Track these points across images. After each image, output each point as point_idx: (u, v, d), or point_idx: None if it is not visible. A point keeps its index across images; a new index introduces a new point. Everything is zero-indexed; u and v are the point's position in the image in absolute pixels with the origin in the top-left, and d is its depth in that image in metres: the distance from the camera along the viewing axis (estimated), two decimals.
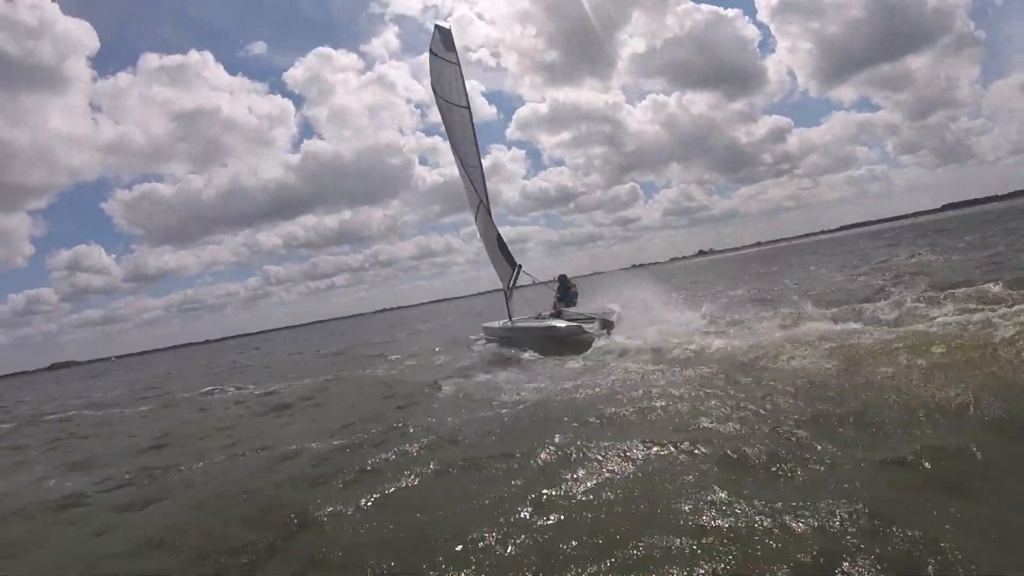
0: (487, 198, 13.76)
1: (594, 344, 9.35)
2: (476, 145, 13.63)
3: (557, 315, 11.66)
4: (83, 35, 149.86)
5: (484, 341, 14.11)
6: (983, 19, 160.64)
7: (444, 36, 13.52)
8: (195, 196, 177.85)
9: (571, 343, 9.70)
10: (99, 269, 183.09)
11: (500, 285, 14.02)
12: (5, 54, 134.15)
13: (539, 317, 12.12)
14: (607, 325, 10.13)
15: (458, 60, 13.59)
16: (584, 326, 10.03)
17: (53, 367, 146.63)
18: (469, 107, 13.61)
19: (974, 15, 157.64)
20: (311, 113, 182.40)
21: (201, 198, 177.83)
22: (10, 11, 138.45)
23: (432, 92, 13.36)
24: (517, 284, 13.40)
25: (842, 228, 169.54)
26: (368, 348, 19.87)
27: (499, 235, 13.34)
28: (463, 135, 13.50)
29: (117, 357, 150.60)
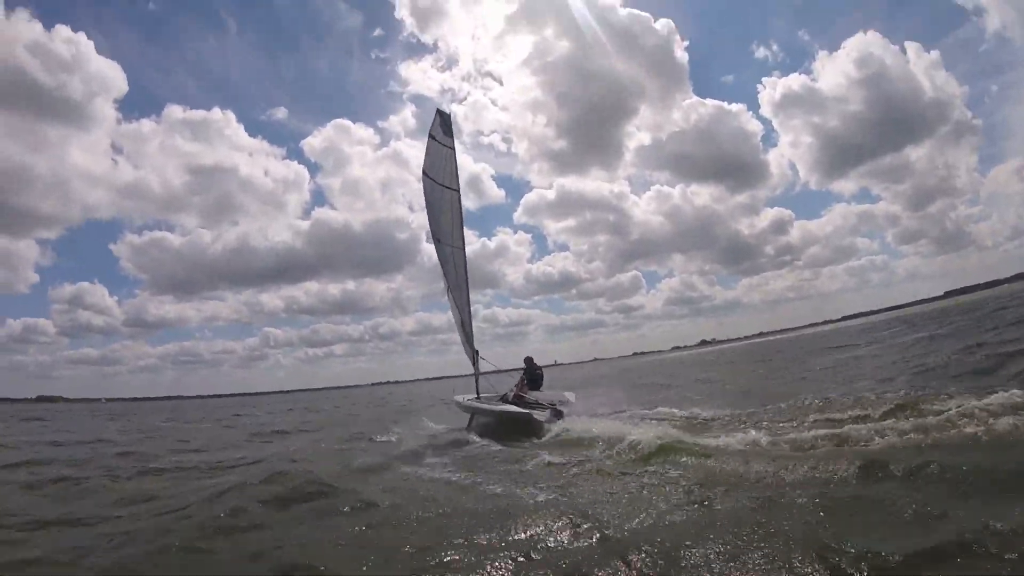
0: (466, 278, 13.67)
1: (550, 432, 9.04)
2: (462, 226, 13.76)
3: (519, 397, 11.68)
4: (114, 77, 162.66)
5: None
6: (980, 107, 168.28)
7: (444, 121, 14.03)
8: (203, 250, 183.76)
9: (521, 428, 9.68)
10: (100, 309, 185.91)
11: (489, 368, 14.09)
12: (36, 82, 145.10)
13: (502, 397, 12.17)
14: (557, 414, 10.16)
15: (454, 145, 14.05)
16: (535, 414, 10.03)
17: (40, 399, 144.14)
18: (459, 190, 13.86)
19: (971, 103, 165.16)
20: (325, 182, 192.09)
21: (208, 252, 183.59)
22: (46, 41, 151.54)
23: (422, 174, 13.58)
24: (484, 370, 13.60)
25: (845, 318, 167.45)
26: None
27: (463, 318, 13.34)
28: (450, 216, 13.61)
29: (108, 399, 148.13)
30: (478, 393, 13.22)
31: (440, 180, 13.63)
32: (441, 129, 13.87)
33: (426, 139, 13.83)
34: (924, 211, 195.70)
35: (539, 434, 9.09)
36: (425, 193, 13.70)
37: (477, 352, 13.64)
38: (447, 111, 14.20)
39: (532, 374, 12.60)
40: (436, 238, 13.64)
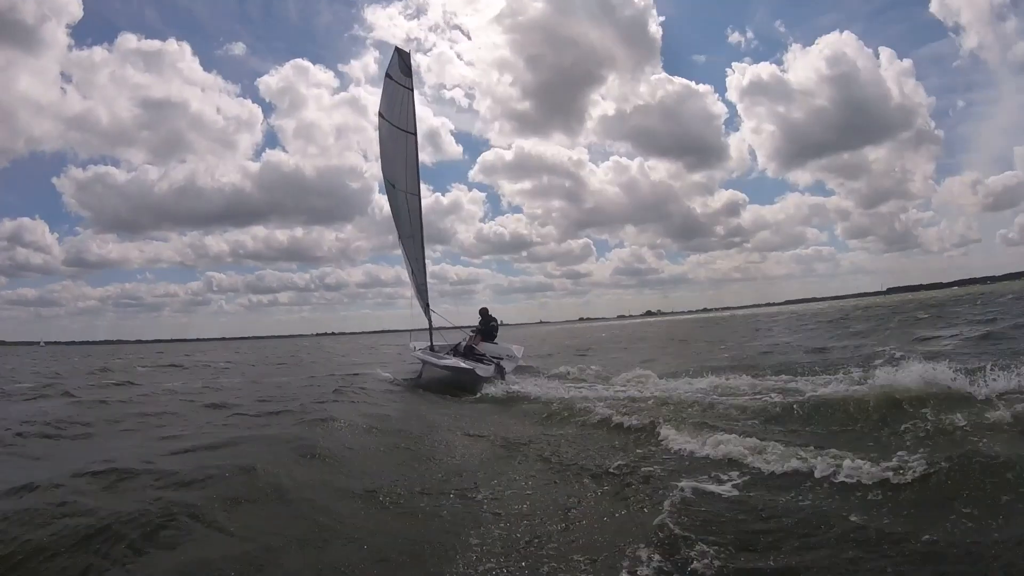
0: (421, 226, 13.49)
1: (484, 389, 9.28)
2: (418, 173, 13.44)
3: (470, 349, 11.88)
4: (69, 1, 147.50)
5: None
6: (944, 119, 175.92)
7: (403, 59, 13.43)
8: (149, 187, 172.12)
9: (464, 382, 9.83)
10: (40, 247, 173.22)
11: (442, 322, 13.93)
12: None
13: (455, 348, 12.28)
14: (500, 371, 10.40)
15: (412, 86, 13.52)
16: (478, 368, 10.16)
17: None
18: (416, 134, 13.46)
19: (935, 114, 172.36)
20: (278, 123, 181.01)
21: (154, 190, 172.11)
22: None
23: (378, 115, 13.09)
24: (437, 325, 13.60)
25: (788, 302, 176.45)
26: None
27: (414, 268, 13.32)
28: (405, 161, 13.23)
29: (47, 342, 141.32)
30: (432, 344, 13.17)
31: (397, 122, 13.15)
32: (400, 68, 13.28)
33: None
34: (875, 209, 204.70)
35: (475, 391, 9.27)
36: (380, 135, 13.22)
37: (428, 306, 13.56)
38: (405, 50, 13.60)
39: (487, 326, 12.68)
40: (390, 182, 13.28)
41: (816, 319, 29.65)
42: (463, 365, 10.38)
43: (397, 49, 13.38)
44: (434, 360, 11.10)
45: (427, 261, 13.94)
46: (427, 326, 13.61)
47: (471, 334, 12.73)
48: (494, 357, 11.47)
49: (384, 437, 5.81)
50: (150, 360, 26.63)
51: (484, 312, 12.99)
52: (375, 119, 13.43)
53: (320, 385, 11.09)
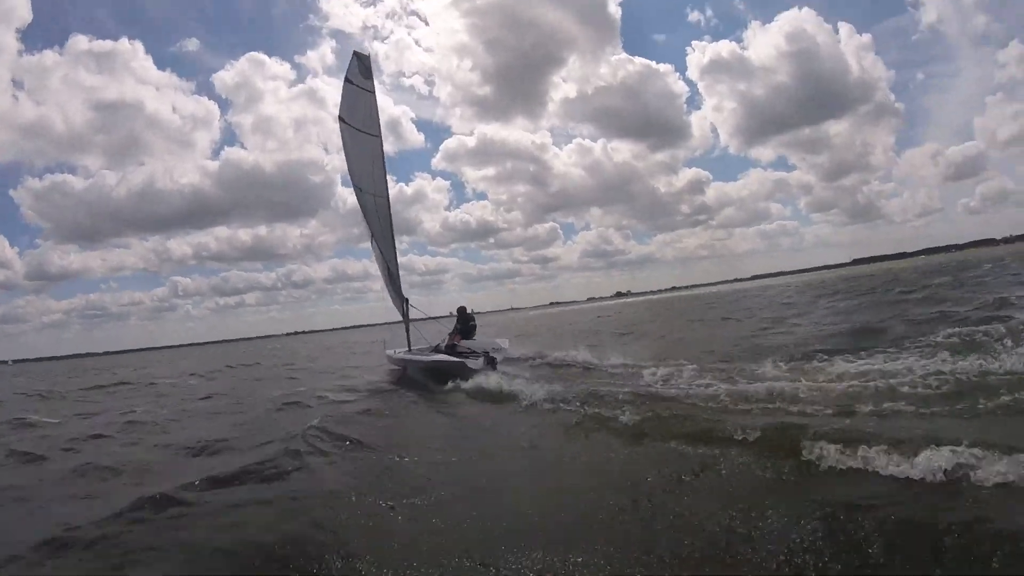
0: (391, 228, 13.69)
1: (473, 380, 9.12)
2: (385, 174, 13.62)
3: (452, 347, 11.74)
4: (16, 4, 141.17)
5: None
6: (904, 92, 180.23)
7: (362, 63, 13.52)
8: (107, 193, 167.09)
9: (455, 377, 9.60)
10: (0, 262, 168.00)
11: (419, 315, 13.97)
12: None
13: (435, 348, 12.22)
14: (491, 362, 10.25)
15: (374, 88, 13.66)
16: (468, 362, 10.13)
17: None
18: (380, 136, 13.62)
19: (895, 87, 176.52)
20: (236, 119, 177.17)
21: (112, 196, 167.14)
22: None
23: (338, 120, 13.16)
24: (414, 318, 13.58)
25: (755, 277, 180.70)
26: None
27: (390, 269, 13.40)
28: (371, 163, 13.39)
29: (14, 361, 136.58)
30: (409, 345, 13.25)
31: (359, 126, 13.28)
32: (360, 72, 13.37)
33: (342, 81, 13.39)
34: (838, 183, 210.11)
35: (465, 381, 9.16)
36: (343, 140, 13.30)
37: (407, 301, 13.53)
38: (365, 52, 13.67)
39: (465, 324, 12.62)
40: (357, 186, 13.43)
41: (815, 292, 28.60)
42: (452, 359, 10.39)
43: (356, 53, 13.46)
44: (420, 357, 11.20)
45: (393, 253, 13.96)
46: (401, 321, 13.68)
47: (450, 333, 12.50)
48: (481, 350, 11.29)
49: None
50: (101, 377, 24.38)
51: (462, 311, 12.93)
52: (334, 111, 13.47)
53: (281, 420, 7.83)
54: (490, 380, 8.75)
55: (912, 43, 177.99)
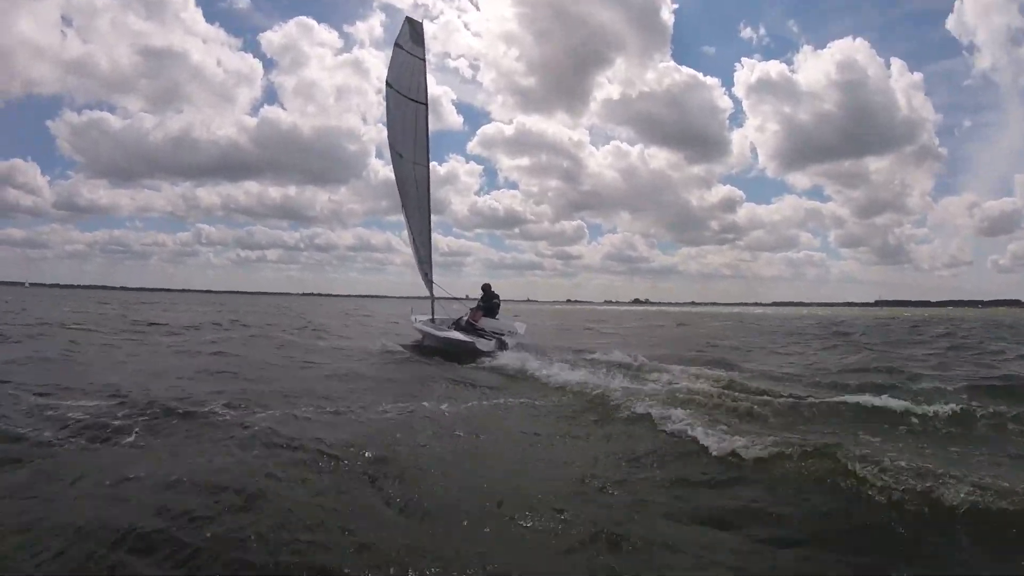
0: (428, 197, 13.82)
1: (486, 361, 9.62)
2: (427, 143, 13.68)
3: (471, 324, 12.09)
4: None
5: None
6: (948, 137, 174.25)
7: (414, 29, 13.44)
8: (143, 135, 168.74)
9: (464, 355, 10.03)
10: (31, 188, 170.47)
11: (442, 294, 14.21)
12: None
13: (457, 322, 12.50)
14: (502, 344, 10.71)
15: (424, 56, 13.59)
16: (479, 343, 10.53)
17: None
18: (427, 104, 13.62)
19: (940, 131, 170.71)
20: (278, 80, 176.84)
21: (149, 139, 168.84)
22: None
23: (385, 85, 13.18)
24: (438, 295, 13.87)
25: (776, 304, 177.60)
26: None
27: (419, 238, 13.75)
28: (415, 131, 13.42)
29: (31, 284, 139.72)
30: (433, 316, 13.49)
31: (406, 92, 13.28)
32: (410, 38, 13.29)
33: (391, 49, 13.37)
34: (871, 220, 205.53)
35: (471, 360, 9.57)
36: (387, 105, 13.30)
37: (430, 278, 13.80)
38: (418, 19, 13.59)
39: (488, 302, 12.80)
40: (397, 152, 13.47)
41: (854, 326, 26.43)
42: (463, 338, 10.71)
43: (408, 18, 13.38)
44: (435, 332, 11.50)
45: None
46: (426, 295, 13.90)
47: (472, 309, 12.79)
48: (495, 332, 11.69)
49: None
50: (128, 311, 25.54)
51: (487, 288, 13.12)
52: (377, 83, 14.05)
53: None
54: (503, 360, 9.29)
55: (963, 88, 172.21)
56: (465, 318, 12.49)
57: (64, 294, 75.49)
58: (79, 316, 20.62)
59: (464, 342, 10.52)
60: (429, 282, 13.98)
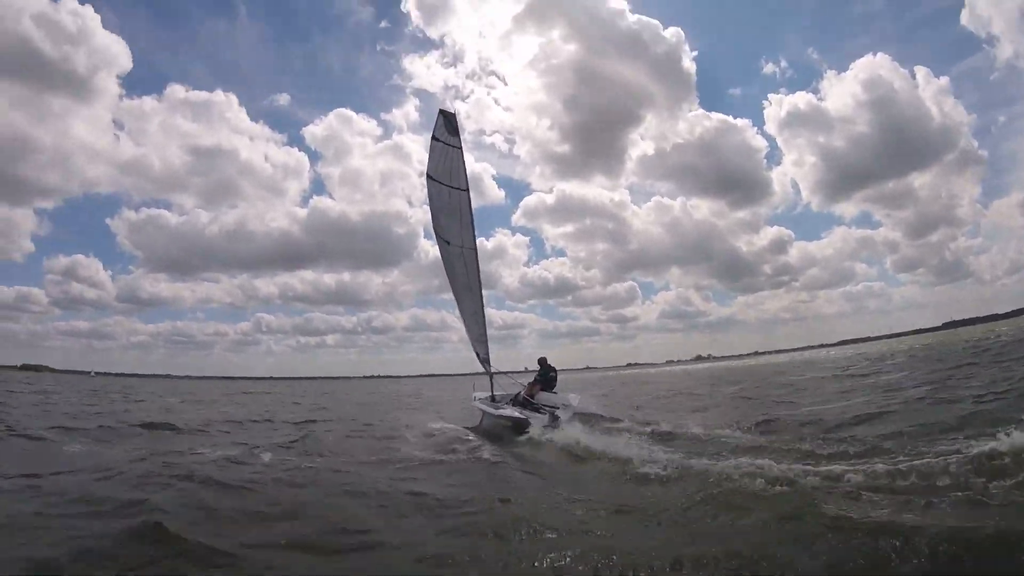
0: (479, 278, 13.99)
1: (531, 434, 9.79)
2: (473, 227, 13.96)
3: (530, 397, 12.46)
4: (118, 52, 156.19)
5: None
6: (986, 137, 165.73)
7: (448, 121, 13.97)
8: (200, 230, 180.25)
9: (519, 431, 10.26)
10: (94, 283, 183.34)
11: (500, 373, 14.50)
12: (41, 53, 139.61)
13: (515, 397, 12.84)
14: (554, 419, 10.83)
15: (461, 144, 14.05)
16: (533, 418, 10.78)
17: (24, 367, 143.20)
18: (468, 190, 13.98)
19: (977, 133, 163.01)
20: (324, 171, 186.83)
21: (205, 233, 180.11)
22: (52, 12, 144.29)
23: (426, 177, 13.71)
24: (496, 370, 14.18)
25: (842, 343, 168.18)
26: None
27: (474, 318, 14.06)
28: (459, 216, 13.76)
29: (97, 372, 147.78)
30: (492, 392, 13.65)
31: (446, 181, 13.72)
32: (446, 130, 13.83)
33: (429, 139, 13.92)
34: (924, 239, 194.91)
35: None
36: (430, 196, 13.81)
37: (487, 357, 14.16)
38: (452, 110, 14.10)
39: (546, 375, 13.03)
40: (444, 239, 13.84)
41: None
42: (517, 415, 10.94)
43: (442, 112, 13.95)
44: (491, 411, 11.78)
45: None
46: (481, 371, 14.20)
47: (529, 383, 13.07)
48: (549, 406, 11.92)
49: None
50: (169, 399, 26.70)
51: (543, 361, 13.32)
52: (418, 166, 14.66)
53: None
54: (554, 435, 9.45)
55: (991, 83, 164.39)
56: (523, 393, 12.74)
57: (126, 382, 79.14)
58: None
59: (519, 419, 10.75)
60: (485, 360, 14.16)
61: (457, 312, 14.47)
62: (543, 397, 12.55)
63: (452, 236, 13.79)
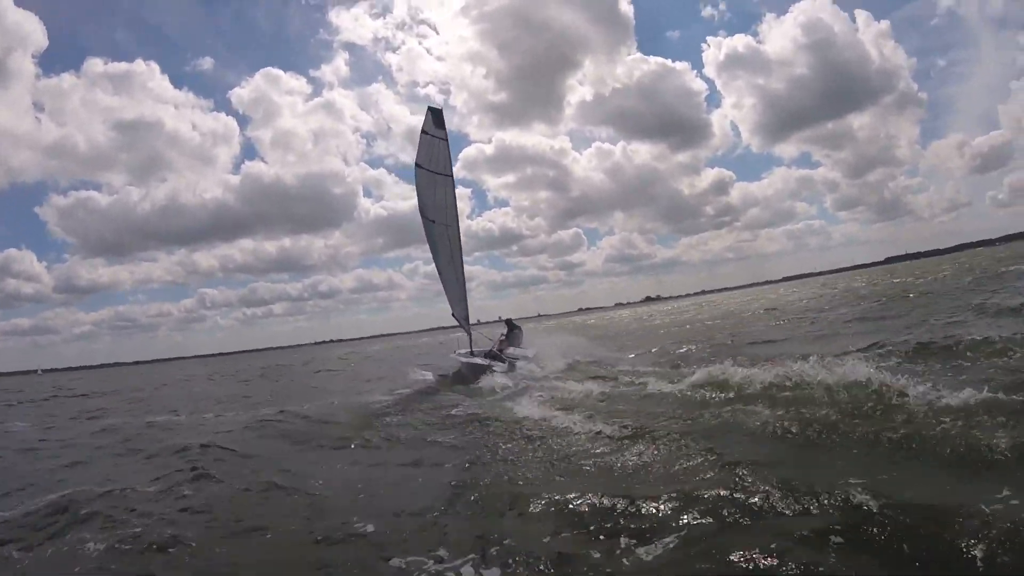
0: (460, 251, 16.51)
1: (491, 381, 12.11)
2: (456, 207, 16.47)
3: (499, 351, 15.05)
4: (32, 30, 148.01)
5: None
6: (926, 80, 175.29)
7: (436, 116, 16.36)
8: (132, 208, 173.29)
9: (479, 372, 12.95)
10: (29, 276, 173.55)
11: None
12: None
13: (489, 352, 15.26)
14: (511, 367, 13.43)
15: (446, 136, 16.50)
16: (495, 365, 13.40)
17: None
18: (452, 175, 16.46)
19: (917, 76, 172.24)
20: (255, 134, 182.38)
21: (138, 211, 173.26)
22: None
23: (415, 166, 15.98)
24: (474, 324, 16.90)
25: (785, 279, 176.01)
26: None
27: (454, 285, 16.54)
28: (445, 199, 16.21)
29: (44, 370, 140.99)
30: (471, 348, 16.06)
31: (435, 169, 16.13)
32: (434, 124, 16.22)
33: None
34: (863, 179, 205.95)
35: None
36: (417, 182, 16.08)
37: (467, 319, 16.74)
38: (438, 106, 16.55)
39: (511, 331, 16.05)
40: (429, 219, 16.18)
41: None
42: (480, 362, 13.78)
43: (430, 108, 16.33)
44: (466, 360, 14.49)
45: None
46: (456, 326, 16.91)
47: (500, 339, 16.00)
48: (511, 358, 14.54)
49: None
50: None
51: (508, 322, 16.42)
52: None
53: None
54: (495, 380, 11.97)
55: (932, 28, 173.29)
56: (494, 348, 15.53)
57: (75, 376, 76.50)
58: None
59: (482, 365, 13.53)
60: (465, 319, 16.65)
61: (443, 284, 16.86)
62: (510, 351, 15.24)
63: (437, 216, 16.18)
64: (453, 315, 16.68)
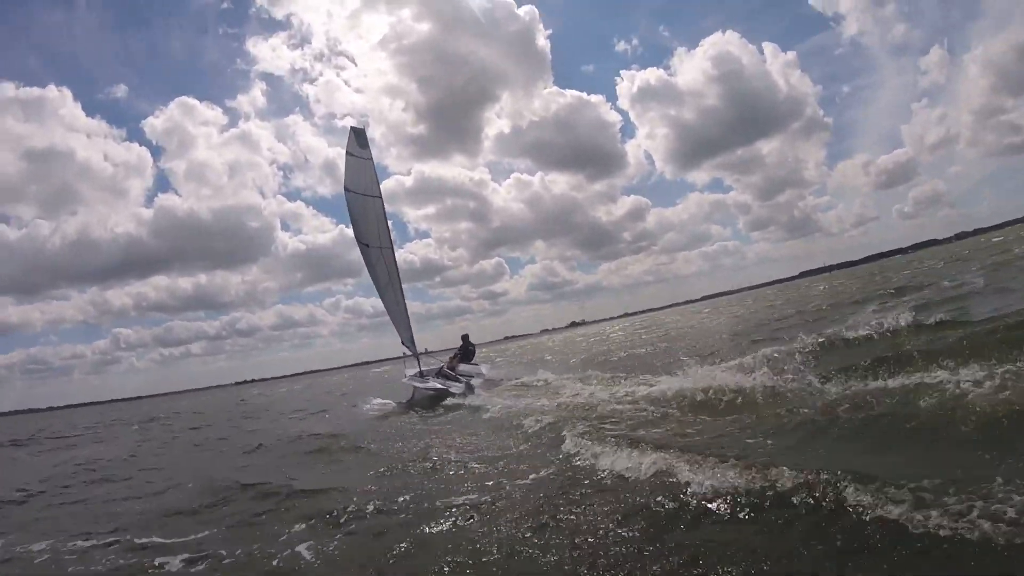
0: (398, 273, 15.96)
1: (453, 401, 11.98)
2: (388, 229, 15.87)
3: (451, 370, 14.66)
4: None
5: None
6: (831, 106, 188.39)
7: (359, 136, 15.73)
8: (42, 243, 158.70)
9: (441, 399, 12.54)
10: None
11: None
12: None
13: (439, 371, 14.92)
14: (469, 388, 13.10)
15: (371, 156, 15.86)
16: (452, 387, 13.10)
17: None
18: (381, 196, 15.83)
19: (823, 102, 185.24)
20: (169, 165, 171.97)
21: (48, 247, 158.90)
22: None
23: (344, 190, 15.31)
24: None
25: (705, 297, 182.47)
26: None
27: (395, 308, 16.13)
28: (376, 221, 15.59)
29: None
30: (420, 369, 15.71)
31: (363, 191, 15.47)
32: (357, 144, 15.56)
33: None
34: (773, 200, 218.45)
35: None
36: (349, 206, 15.50)
37: (412, 340, 16.30)
38: (360, 127, 15.90)
39: (466, 350, 15.55)
40: (364, 243, 15.57)
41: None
42: (439, 386, 13.35)
43: (352, 128, 15.73)
44: (420, 384, 14.06)
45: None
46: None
47: (454, 354, 15.59)
48: (465, 376, 14.20)
49: None
50: None
51: (465, 338, 15.92)
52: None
53: None
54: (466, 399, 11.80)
55: (836, 57, 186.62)
56: (445, 366, 15.06)
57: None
58: None
59: (439, 389, 13.17)
60: (411, 343, 16.20)
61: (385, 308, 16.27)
62: (462, 368, 14.85)
63: (371, 239, 15.59)
64: (402, 343, 16.20)
